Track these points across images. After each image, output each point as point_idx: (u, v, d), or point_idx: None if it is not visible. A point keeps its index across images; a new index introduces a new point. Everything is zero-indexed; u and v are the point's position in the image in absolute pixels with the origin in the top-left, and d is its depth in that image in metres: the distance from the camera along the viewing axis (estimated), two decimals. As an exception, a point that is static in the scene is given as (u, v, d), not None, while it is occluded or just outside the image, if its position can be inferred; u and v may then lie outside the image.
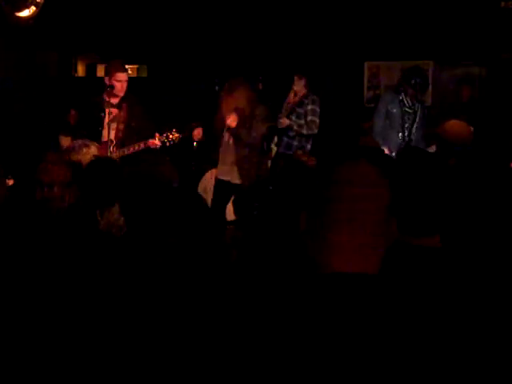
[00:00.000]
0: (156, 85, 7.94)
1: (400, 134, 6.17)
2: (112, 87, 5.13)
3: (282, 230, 2.84)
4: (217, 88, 7.59)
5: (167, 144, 5.19)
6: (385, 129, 6.18)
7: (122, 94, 5.19)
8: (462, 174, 3.37)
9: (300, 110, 6.46)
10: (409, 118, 6.18)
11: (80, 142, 4.24)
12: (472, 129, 3.98)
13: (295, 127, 6.43)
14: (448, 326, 1.27)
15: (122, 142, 5.23)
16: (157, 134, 5.12)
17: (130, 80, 5.56)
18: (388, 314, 1.22)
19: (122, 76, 5.18)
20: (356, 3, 7.99)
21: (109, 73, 5.23)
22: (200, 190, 7.14)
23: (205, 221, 3.14)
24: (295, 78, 6.52)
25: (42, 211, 2.88)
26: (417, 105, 6.18)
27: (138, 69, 9.06)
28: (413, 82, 6.04)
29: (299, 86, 6.50)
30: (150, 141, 5.10)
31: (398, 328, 1.21)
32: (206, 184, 7.14)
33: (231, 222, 6.44)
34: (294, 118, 6.46)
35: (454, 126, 3.97)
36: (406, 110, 6.16)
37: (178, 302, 2.12)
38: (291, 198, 3.07)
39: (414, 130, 6.19)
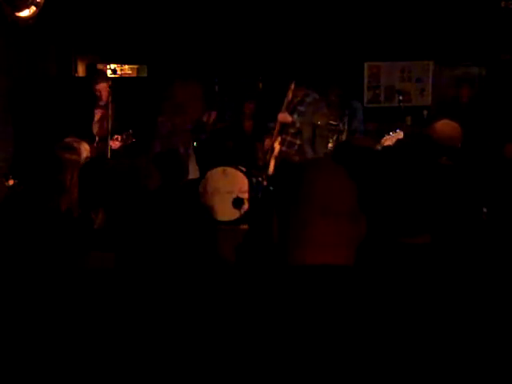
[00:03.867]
0: (156, 85, 7.94)
1: (329, 145, 6.12)
2: (96, 94, 6.08)
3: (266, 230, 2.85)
4: (216, 88, 7.59)
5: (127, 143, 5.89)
6: (313, 139, 6.16)
7: (105, 99, 6.05)
8: (457, 173, 3.38)
9: (301, 108, 6.50)
10: (334, 130, 6.15)
11: (75, 140, 4.29)
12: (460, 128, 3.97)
13: (297, 125, 6.47)
14: (431, 322, 1.27)
15: (103, 139, 5.95)
16: (118, 136, 5.86)
17: (130, 80, 5.88)
18: (367, 306, 1.23)
19: (101, 86, 6.08)
20: (356, 3, 7.99)
21: (92, 82, 6.18)
22: (201, 190, 7.13)
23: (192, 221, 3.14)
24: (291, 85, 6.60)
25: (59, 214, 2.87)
26: (343, 118, 6.15)
27: (138, 69, 9.05)
28: (333, 98, 6.04)
29: (294, 90, 6.57)
30: (111, 142, 5.83)
31: (378, 323, 1.21)
32: (207, 184, 7.12)
33: (231, 221, 6.45)
34: (296, 116, 6.48)
35: (444, 125, 3.97)
36: (331, 122, 6.13)
37: (165, 295, 2.13)
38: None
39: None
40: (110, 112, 5.91)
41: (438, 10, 7.89)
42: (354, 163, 1.38)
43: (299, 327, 1.19)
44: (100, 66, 8.62)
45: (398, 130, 5.70)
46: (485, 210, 3.26)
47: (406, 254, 1.79)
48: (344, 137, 6.14)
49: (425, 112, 8.14)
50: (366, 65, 8.62)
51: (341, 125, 6.11)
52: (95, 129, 6.16)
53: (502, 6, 7.46)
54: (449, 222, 2.07)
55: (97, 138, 6.07)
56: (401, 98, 7.04)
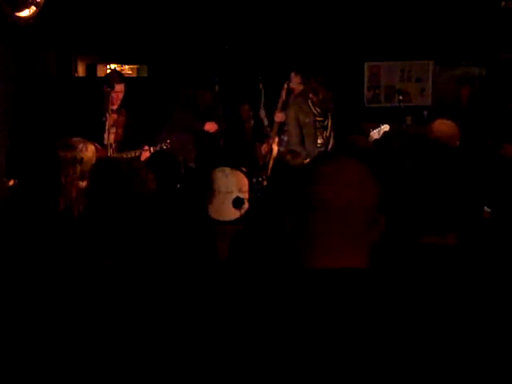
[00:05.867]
0: (156, 85, 7.93)
1: (318, 141, 6.05)
2: (111, 96, 5.58)
3: (270, 229, 2.84)
4: (217, 88, 7.58)
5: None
6: (302, 139, 6.04)
7: (119, 102, 5.66)
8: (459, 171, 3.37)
9: None
10: (322, 127, 6.05)
11: (77, 139, 4.26)
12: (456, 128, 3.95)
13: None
14: (452, 327, 1.26)
15: (120, 146, 5.61)
16: (149, 148, 5.53)
17: (130, 80, 5.76)
18: (382, 311, 1.21)
19: (118, 87, 5.65)
20: (356, 3, 7.99)
21: (108, 83, 5.66)
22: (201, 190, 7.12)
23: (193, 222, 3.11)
24: (291, 74, 6.50)
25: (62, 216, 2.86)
26: (327, 114, 6.04)
27: (138, 69, 9.05)
28: (321, 96, 5.90)
29: (295, 84, 6.48)
30: (143, 153, 5.50)
31: (397, 326, 1.20)
32: (207, 185, 7.11)
33: (231, 221, 6.44)
34: None
35: (441, 125, 3.97)
36: (317, 119, 6.03)
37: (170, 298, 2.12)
38: (276, 197, 3.08)
39: (329, 140, 6.06)
40: (122, 118, 5.62)
41: (438, 10, 7.89)
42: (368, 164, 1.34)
43: (313, 331, 1.18)
44: (100, 66, 8.62)
45: (383, 124, 5.69)
46: (488, 209, 3.25)
47: (430, 256, 1.73)
48: (328, 133, 6.08)
49: (425, 112, 8.13)
50: (366, 65, 8.62)
51: (326, 121, 6.06)
52: (110, 136, 5.65)
53: (502, 6, 7.46)
54: (473, 222, 2.03)
55: (113, 146, 5.63)
56: (401, 97, 7.04)
